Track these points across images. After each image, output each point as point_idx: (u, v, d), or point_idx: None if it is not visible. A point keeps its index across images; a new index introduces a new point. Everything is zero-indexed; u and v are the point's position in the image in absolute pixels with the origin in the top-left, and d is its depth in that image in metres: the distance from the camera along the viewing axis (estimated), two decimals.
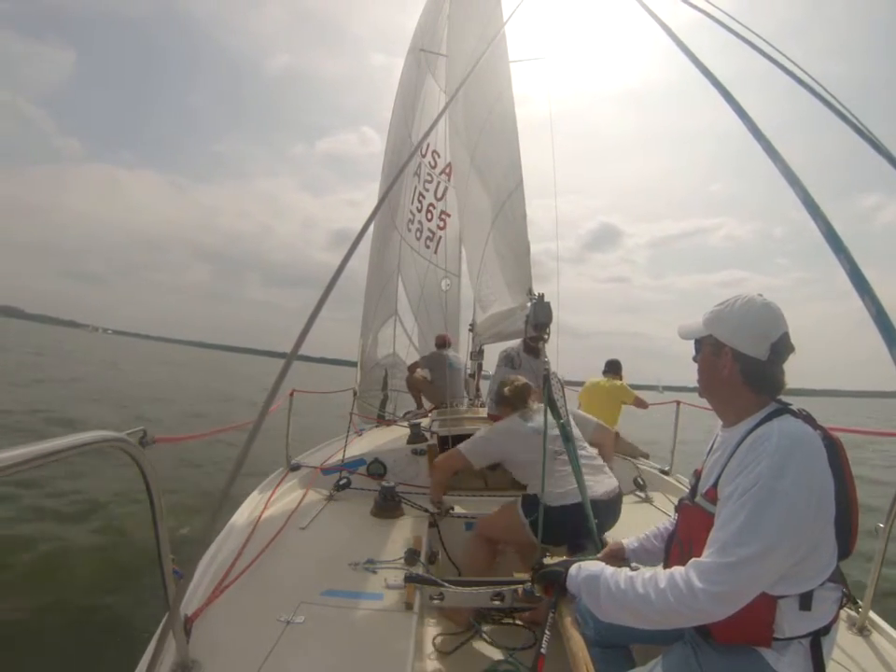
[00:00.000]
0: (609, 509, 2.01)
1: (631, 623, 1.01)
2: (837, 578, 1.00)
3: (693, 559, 0.96)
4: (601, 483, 2.06)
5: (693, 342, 1.17)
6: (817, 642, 0.98)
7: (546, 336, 2.06)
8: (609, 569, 1.07)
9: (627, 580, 1.01)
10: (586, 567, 1.11)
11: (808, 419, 1.02)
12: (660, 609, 0.94)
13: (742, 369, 1.04)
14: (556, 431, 1.94)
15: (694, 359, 1.16)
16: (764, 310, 1.03)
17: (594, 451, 2.27)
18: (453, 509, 2.46)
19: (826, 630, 0.99)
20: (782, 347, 1.02)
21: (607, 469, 2.20)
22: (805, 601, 0.96)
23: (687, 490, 1.27)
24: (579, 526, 1.76)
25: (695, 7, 1.01)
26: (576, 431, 2.18)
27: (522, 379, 2.43)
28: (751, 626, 0.98)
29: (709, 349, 1.10)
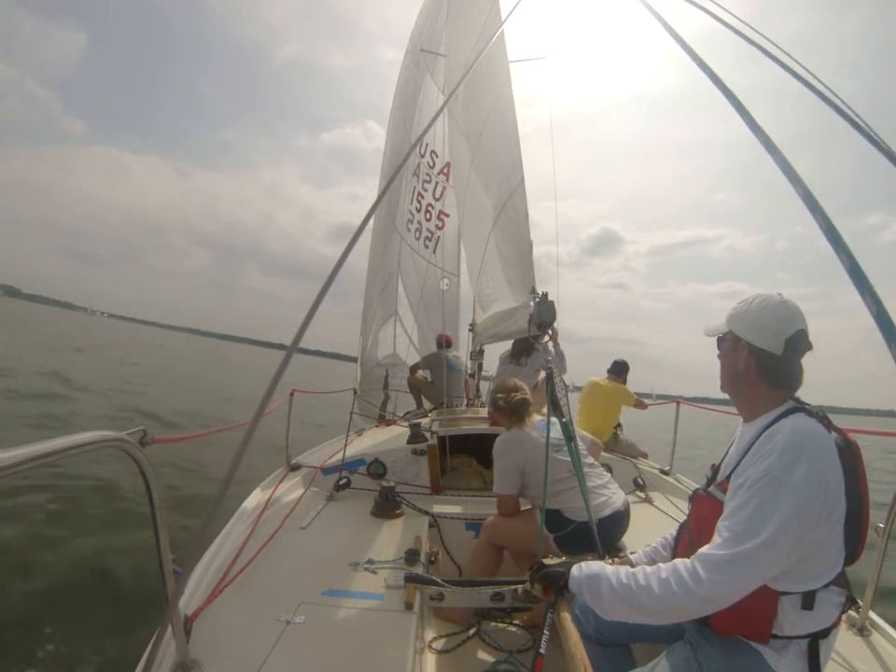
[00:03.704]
0: (625, 518, 2.04)
1: (634, 618, 1.01)
2: (842, 582, 1.00)
3: (700, 550, 0.97)
4: (617, 494, 2.08)
5: (715, 341, 1.21)
6: (814, 644, 0.98)
7: (551, 332, 2.05)
8: (611, 567, 1.08)
9: (629, 574, 1.02)
10: (588, 567, 1.12)
11: (823, 420, 1.02)
12: (663, 600, 0.95)
13: (758, 363, 1.08)
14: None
15: (718, 357, 1.19)
16: (781, 307, 1.07)
17: (597, 465, 2.21)
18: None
19: (825, 633, 0.99)
20: (797, 343, 1.05)
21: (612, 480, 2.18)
22: (808, 601, 0.96)
23: (690, 490, 1.29)
24: (610, 536, 1.87)
25: (709, 12, 1.01)
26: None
27: (521, 391, 2.25)
28: (752, 620, 0.99)
29: (729, 345, 1.14)
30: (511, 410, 2.20)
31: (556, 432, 1.96)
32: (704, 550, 0.96)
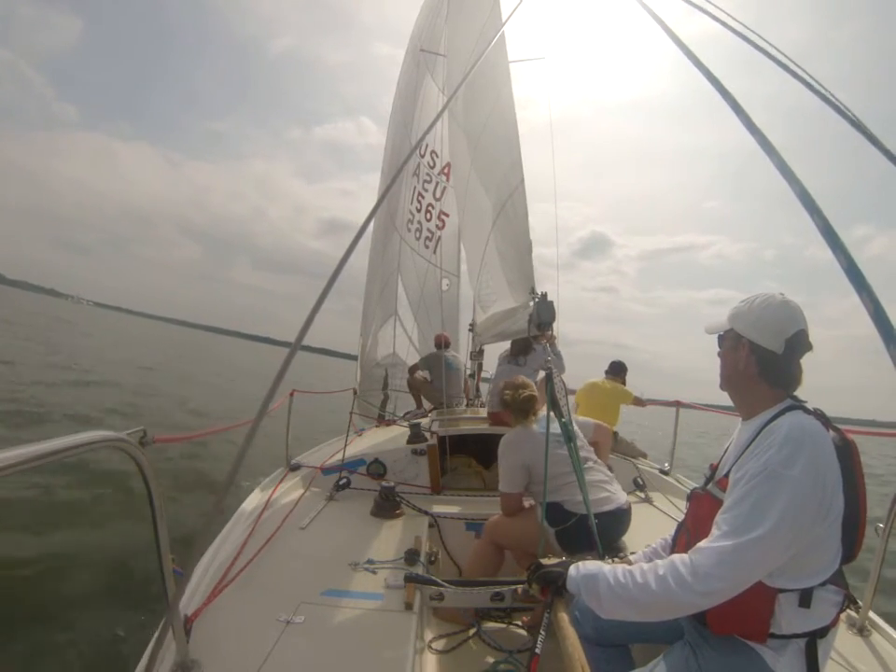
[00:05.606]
0: (627, 517, 2.03)
1: (632, 616, 1.01)
2: (840, 582, 1.00)
3: (698, 545, 0.97)
4: (619, 492, 2.08)
5: (716, 339, 1.21)
6: (812, 644, 0.98)
7: (550, 333, 2.07)
8: (608, 566, 1.08)
9: (626, 573, 1.02)
10: (585, 567, 1.12)
11: (821, 418, 1.03)
12: (660, 596, 0.95)
13: (758, 361, 1.09)
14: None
15: (718, 355, 1.20)
16: (782, 307, 1.08)
17: (601, 463, 2.21)
18: None
19: (823, 633, 0.99)
20: (797, 343, 1.06)
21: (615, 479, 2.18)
22: (805, 598, 0.96)
23: (688, 490, 1.28)
24: (611, 533, 1.84)
25: (709, 13, 1.00)
26: (580, 439, 2.13)
27: (528, 388, 2.24)
28: (749, 618, 0.99)
29: (730, 342, 1.15)
30: (518, 406, 2.20)
31: (557, 428, 1.95)
32: (702, 544, 0.96)
